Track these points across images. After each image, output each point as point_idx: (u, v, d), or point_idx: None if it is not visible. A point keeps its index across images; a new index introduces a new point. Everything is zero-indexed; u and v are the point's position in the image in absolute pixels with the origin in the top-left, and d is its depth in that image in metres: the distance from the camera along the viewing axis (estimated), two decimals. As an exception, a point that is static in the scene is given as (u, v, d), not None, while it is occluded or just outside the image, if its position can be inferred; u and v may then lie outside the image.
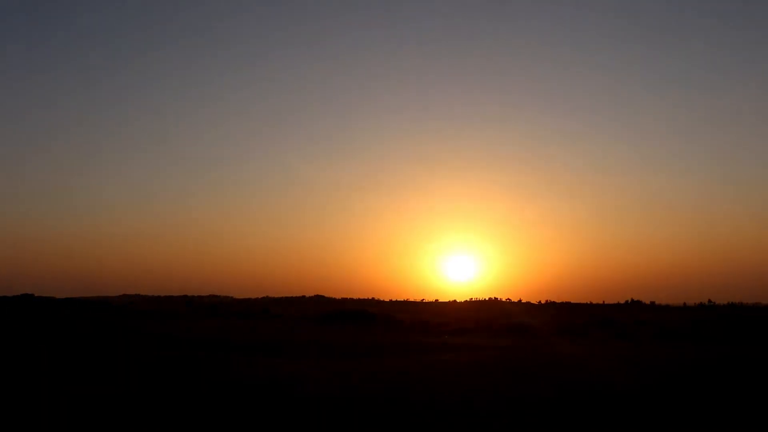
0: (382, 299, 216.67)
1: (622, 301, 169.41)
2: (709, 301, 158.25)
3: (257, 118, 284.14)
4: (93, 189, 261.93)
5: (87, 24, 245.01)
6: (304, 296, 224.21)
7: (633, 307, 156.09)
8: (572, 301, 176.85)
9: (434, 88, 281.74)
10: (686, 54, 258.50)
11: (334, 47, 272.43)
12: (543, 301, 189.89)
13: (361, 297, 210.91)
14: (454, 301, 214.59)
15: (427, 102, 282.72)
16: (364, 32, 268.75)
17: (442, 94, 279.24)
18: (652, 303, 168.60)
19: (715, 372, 11.98)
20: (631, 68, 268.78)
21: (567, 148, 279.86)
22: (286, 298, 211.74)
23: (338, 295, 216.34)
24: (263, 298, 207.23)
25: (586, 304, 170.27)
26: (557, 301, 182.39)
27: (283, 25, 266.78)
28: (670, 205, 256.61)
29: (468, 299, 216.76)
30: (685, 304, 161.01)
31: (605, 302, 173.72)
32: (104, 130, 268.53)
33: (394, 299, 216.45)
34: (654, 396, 10.07)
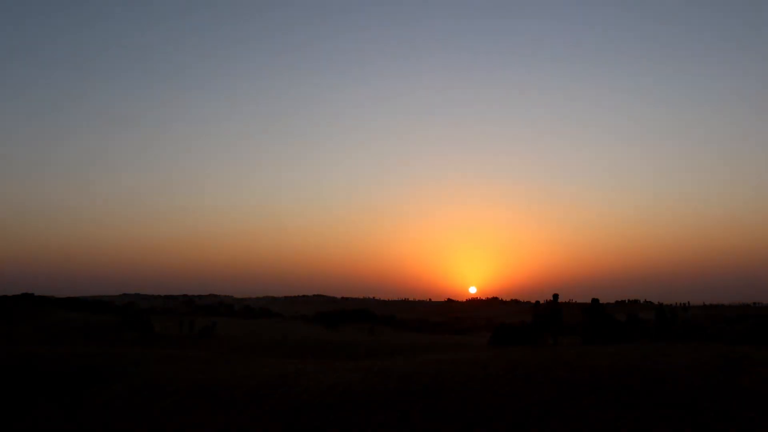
0: (383, 298, 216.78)
1: (620, 300, 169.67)
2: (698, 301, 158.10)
3: (256, 120, 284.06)
4: (93, 189, 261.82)
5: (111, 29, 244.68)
6: (305, 296, 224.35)
7: (631, 306, 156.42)
8: (571, 301, 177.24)
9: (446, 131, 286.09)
10: (684, 55, 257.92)
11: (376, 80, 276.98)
12: (543, 301, 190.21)
13: (363, 296, 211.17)
14: (456, 301, 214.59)
15: (431, 130, 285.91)
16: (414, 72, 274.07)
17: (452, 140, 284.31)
18: (649, 302, 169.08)
19: (715, 371, 12.15)
20: (621, 76, 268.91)
21: (566, 156, 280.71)
22: (287, 297, 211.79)
23: (339, 295, 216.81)
24: (263, 297, 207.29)
25: (585, 304, 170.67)
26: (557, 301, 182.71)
27: (343, 61, 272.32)
28: (669, 205, 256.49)
29: (469, 299, 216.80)
30: (682, 304, 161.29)
31: (605, 302, 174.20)
32: (104, 132, 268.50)
33: (395, 299, 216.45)
34: (654, 395, 10.24)
